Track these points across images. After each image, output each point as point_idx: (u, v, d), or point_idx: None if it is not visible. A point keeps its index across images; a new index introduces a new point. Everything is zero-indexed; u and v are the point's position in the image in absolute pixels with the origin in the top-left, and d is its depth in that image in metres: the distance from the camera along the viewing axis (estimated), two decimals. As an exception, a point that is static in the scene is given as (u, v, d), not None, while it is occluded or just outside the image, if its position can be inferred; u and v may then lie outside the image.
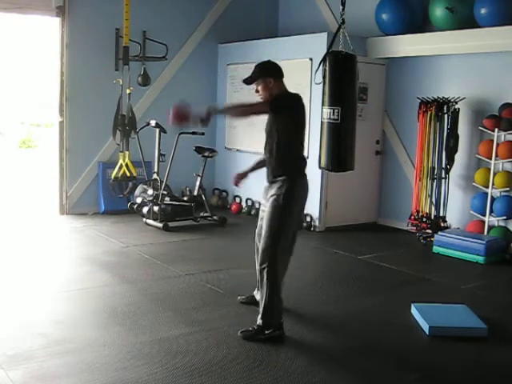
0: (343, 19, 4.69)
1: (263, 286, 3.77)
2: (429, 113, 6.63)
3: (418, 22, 6.98)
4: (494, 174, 6.27)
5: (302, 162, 3.96)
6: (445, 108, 6.56)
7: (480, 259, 5.86)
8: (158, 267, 5.36)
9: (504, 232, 6.22)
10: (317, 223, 7.18)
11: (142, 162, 7.37)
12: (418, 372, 3.44)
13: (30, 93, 16.11)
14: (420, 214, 6.78)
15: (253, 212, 7.87)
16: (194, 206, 7.16)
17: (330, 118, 4.52)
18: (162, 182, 7.08)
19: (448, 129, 6.54)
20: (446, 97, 6.57)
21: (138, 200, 7.28)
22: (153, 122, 7.16)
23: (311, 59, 7.03)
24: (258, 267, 3.88)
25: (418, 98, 6.77)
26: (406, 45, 6.96)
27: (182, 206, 7.15)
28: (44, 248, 6.00)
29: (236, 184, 4.24)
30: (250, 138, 8.03)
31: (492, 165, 6.26)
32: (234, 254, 5.95)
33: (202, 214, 7.30)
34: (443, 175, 6.67)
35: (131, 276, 5.05)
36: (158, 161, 7.29)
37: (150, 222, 7.03)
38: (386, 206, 7.68)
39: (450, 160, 6.58)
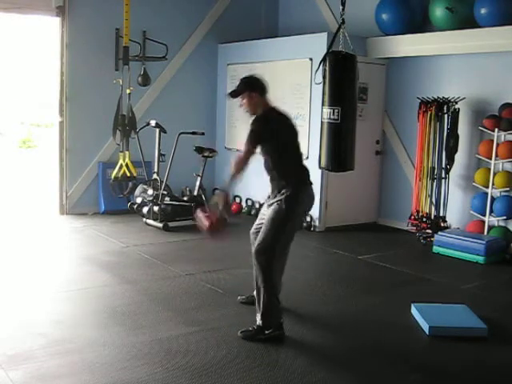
0: (343, 19, 4.70)
1: (259, 287, 3.76)
2: (429, 113, 6.63)
3: (418, 22, 6.98)
4: (494, 173, 6.27)
5: (302, 171, 3.95)
6: (445, 108, 6.56)
7: (480, 259, 5.86)
8: (158, 267, 5.36)
9: (504, 232, 6.22)
10: (317, 223, 7.18)
11: (142, 162, 7.37)
12: (418, 372, 3.44)
13: (30, 93, 16.11)
14: (420, 213, 6.78)
15: (253, 212, 7.87)
16: (194, 205, 7.15)
17: (330, 118, 4.52)
18: (161, 182, 7.08)
19: (448, 129, 6.54)
20: (446, 97, 6.57)
21: (138, 200, 7.28)
22: (153, 122, 7.17)
23: (311, 59, 7.03)
24: (254, 272, 3.87)
25: (418, 98, 6.77)
26: (406, 45, 6.96)
27: (182, 206, 7.14)
28: (44, 248, 6.00)
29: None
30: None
31: (492, 165, 6.26)
32: (234, 254, 5.94)
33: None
34: (443, 175, 6.67)
35: (131, 276, 5.05)
36: (158, 161, 7.29)
37: (150, 222, 7.03)
38: (386, 206, 7.68)
39: (450, 160, 6.58)
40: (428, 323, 3.97)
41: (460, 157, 6.64)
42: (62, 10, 7.23)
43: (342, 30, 4.70)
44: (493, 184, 6.27)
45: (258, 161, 3.93)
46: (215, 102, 8.62)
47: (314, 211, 7.14)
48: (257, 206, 7.83)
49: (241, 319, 4.01)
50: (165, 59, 7.73)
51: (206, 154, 7.27)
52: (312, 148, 7.04)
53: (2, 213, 7.55)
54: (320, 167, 4.85)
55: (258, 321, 3.77)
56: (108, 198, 7.64)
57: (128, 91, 7.40)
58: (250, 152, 3.78)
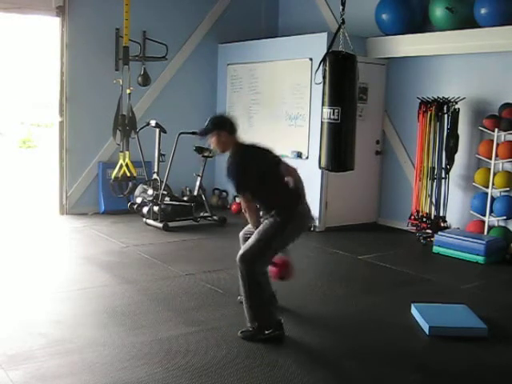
0: (343, 19, 4.70)
1: (245, 292, 3.76)
2: (429, 113, 6.63)
3: (418, 22, 6.98)
4: (494, 173, 6.27)
5: (289, 195, 3.93)
6: (445, 108, 6.56)
7: (480, 259, 5.86)
8: (158, 267, 5.36)
9: (504, 232, 6.22)
10: (317, 223, 7.18)
11: (142, 162, 7.37)
12: (418, 372, 3.43)
13: (30, 93, 16.11)
14: (420, 213, 6.78)
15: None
16: (194, 205, 7.16)
17: (330, 118, 4.52)
18: (161, 182, 7.08)
19: (448, 129, 6.54)
20: (446, 97, 6.57)
21: (138, 200, 7.28)
22: (153, 122, 7.17)
23: (311, 59, 7.03)
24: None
25: (418, 98, 6.77)
26: (406, 45, 6.96)
27: (182, 206, 7.15)
28: (44, 248, 6.01)
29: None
30: (249, 137, 8.02)
31: (492, 165, 6.26)
32: (234, 254, 5.90)
33: (201, 214, 7.30)
34: (443, 175, 6.67)
35: (131, 276, 5.05)
36: (158, 161, 7.29)
37: (150, 222, 7.03)
38: (386, 206, 7.68)
39: (450, 160, 6.58)
40: (428, 323, 3.97)
41: (460, 157, 6.64)
42: (62, 10, 7.23)
43: (341, 29, 4.70)
44: (493, 184, 6.27)
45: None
46: (215, 102, 8.62)
47: (314, 211, 7.13)
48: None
49: (241, 319, 4.01)
50: (165, 59, 7.73)
51: (205, 154, 7.27)
52: (312, 148, 7.05)
53: (2, 213, 7.55)
54: (320, 167, 4.85)
55: (252, 324, 3.77)
56: (108, 198, 7.64)
57: (128, 91, 7.39)
58: (246, 198, 3.85)
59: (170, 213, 7.03)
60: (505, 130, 6.14)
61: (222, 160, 8.14)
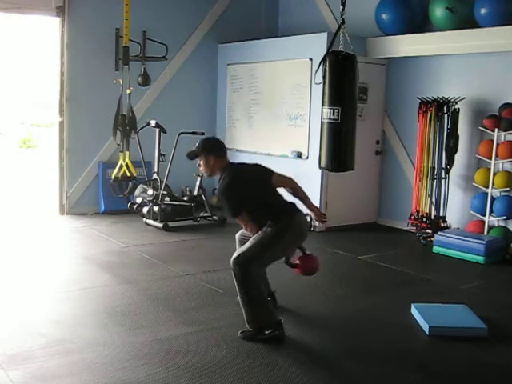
0: (343, 19, 4.70)
1: (239, 294, 3.77)
2: (429, 113, 6.63)
3: (418, 22, 6.98)
4: (494, 173, 6.27)
5: (284, 212, 3.92)
6: (445, 108, 6.56)
7: (480, 259, 5.86)
8: (158, 267, 5.36)
9: (504, 232, 6.22)
10: (317, 223, 7.17)
11: (142, 162, 7.37)
12: (418, 372, 3.43)
13: (30, 93, 16.11)
14: (420, 213, 6.78)
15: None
16: (194, 205, 7.16)
17: (330, 118, 4.52)
18: (161, 182, 7.08)
19: (448, 129, 6.54)
20: (446, 97, 6.57)
21: (138, 200, 7.28)
22: (153, 122, 7.17)
23: (311, 59, 7.03)
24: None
25: (418, 98, 6.77)
26: (406, 45, 6.96)
27: (182, 206, 7.15)
28: (44, 248, 6.01)
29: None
30: (249, 137, 8.04)
31: (492, 165, 6.26)
32: (234, 254, 5.94)
33: (201, 214, 7.30)
34: (443, 175, 6.67)
35: (131, 276, 5.05)
36: (158, 161, 7.29)
37: (150, 222, 7.03)
38: (386, 206, 7.68)
39: (450, 160, 6.58)
40: (428, 323, 3.97)
41: (460, 157, 6.64)
42: (62, 10, 7.23)
43: (341, 29, 4.70)
44: (493, 184, 6.27)
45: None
46: (215, 102, 8.62)
47: (314, 211, 7.13)
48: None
49: (241, 319, 4.00)
50: (165, 59, 7.73)
51: (206, 154, 7.25)
52: (312, 148, 7.05)
53: (2, 213, 7.55)
54: (320, 167, 4.85)
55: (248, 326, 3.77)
56: (108, 198, 7.64)
57: (128, 91, 7.39)
58: (241, 217, 3.87)
59: (169, 213, 7.04)
60: (505, 130, 6.14)
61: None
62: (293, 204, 4.00)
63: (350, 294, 4.85)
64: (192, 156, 4.16)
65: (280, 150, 7.51)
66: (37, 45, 12.76)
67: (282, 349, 3.64)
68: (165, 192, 7.06)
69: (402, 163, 7.46)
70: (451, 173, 6.65)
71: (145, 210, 7.16)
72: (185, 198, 7.44)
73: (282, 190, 4.08)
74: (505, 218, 6.24)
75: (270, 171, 4.03)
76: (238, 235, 4.19)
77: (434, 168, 6.67)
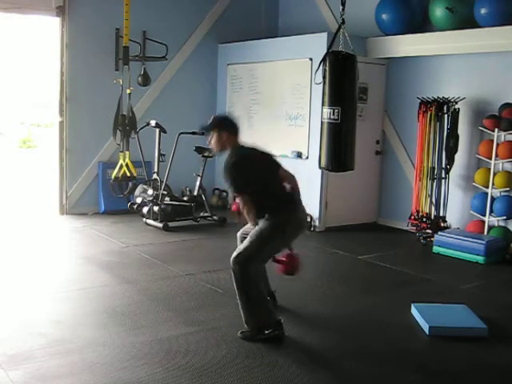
0: (343, 19, 4.70)
1: (238, 293, 3.75)
2: (429, 113, 6.63)
3: (418, 22, 6.98)
4: (494, 174, 6.27)
5: (284, 200, 3.91)
6: (445, 108, 6.56)
7: (480, 259, 5.86)
8: (158, 267, 5.36)
9: (504, 232, 6.22)
10: (317, 223, 7.18)
11: (142, 162, 7.37)
12: (418, 372, 3.43)
13: (30, 93, 16.12)
14: (420, 213, 6.78)
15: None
16: (194, 205, 7.16)
17: (330, 118, 4.52)
18: (161, 182, 7.08)
19: (448, 129, 6.54)
20: (446, 97, 6.57)
21: (138, 200, 7.28)
22: (153, 122, 7.17)
23: (311, 59, 7.03)
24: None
25: (418, 98, 6.77)
26: (406, 45, 6.96)
27: (182, 206, 7.15)
28: (44, 248, 6.01)
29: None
30: (249, 138, 8.00)
31: (492, 165, 6.26)
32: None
33: (201, 214, 7.30)
34: (443, 175, 6.67)
35: (131, 276, 5.05)
36: (158, 161, 7.29)
37: (150, 222, 7.03)
38: (386, 206, 7.68)
39: (450, 160, 6.58)
40: (428, 323, 3.97)
41: (460, 157, 6.64)
42: (62, 10, 7.23)
43: (342, 29, 4.70)
44: (493, 184, 6.27)
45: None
46: (215, 102, 8.62)
47: (314, 211, 7.14)
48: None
49: (241, 319, 4.00)
50: (165, 59, 7.73)
51: (205, 154, 7.27)
52: (312, 148, 7.05)
53: (2, 213, 7.55)
54: (320, 167, 4.85)
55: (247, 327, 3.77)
56: (108, 198, 7.64)
57: (128, 91, 7.39)
58: (243, 198, 3.83)
59: (170, 213, 7.04)
60: (505, 130, 6.14)
61: (223, 160, 8.17)
62: (294, 199, 3.97)
63: (349, 294, 4.85)
64: (205, 130, 4.08)
65: (280, 149, 7.48)
66: (37, 45, 12.77)
67: (281, 349, 3.64)
68: (165, 192, 7.06)
69: (402, 163, 7.46)
70: (451, 173, 6.65)
71: (145, 210, 7.16)
72: (185, 198, 7.44)
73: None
74: (505, 218, 6.24)
75: (278, 163, 4.03)
76: (239, 234, 4.19)
77: (433, 168, 6.67)
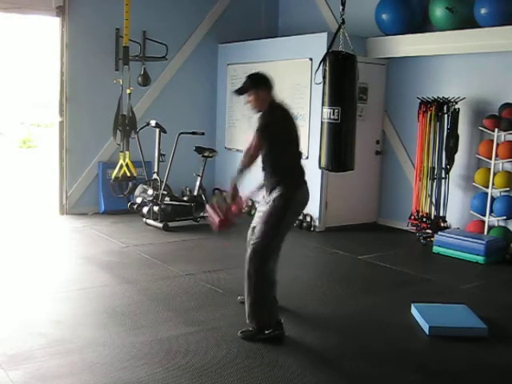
0: (343, 19, 4.69)
1: (249, 287, 3.75)
2: (429, 113, 6.63)
3: (418, 22, 6.98)
4: (494, 173, 6.27)
5: (299, 172, 3.93)
6: (445, 108, 6.56)
7: (480, 259, 5.86)
8: (158, 267, 5.36)
9: (504, 232, 6.22)
10: (317, 223, 7.18)
11: (142, 162, 7.37)
12: (418, 372, 3.43)
13: (30, 93, 16.11)
14: (420, 213, 6.78)
15: (253, 212, 7.86)
16: (194, 205, 7.16)
17: (330, 118, 4.52)
18: (161, 182, 7.08)
19: (448, 129, 6.54)
20: (446, 97, 6.57)
21: (138, 200, 7.28)
22: (153, 122, 7.17)
23: (311, 59, 7.03)
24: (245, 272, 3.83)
25: (418, 98, 6.77)
26: (406, 45, 6.96)
27: (182, 206, 7.15)
28: (44, 248, 6.01)
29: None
30: (249, 137, 8.02)
31: (492, 165, 6.26)
32: (234, 254, 5.93)
33: (201, 214, 7.29)
34: (443, 175, 6.67)
35: (131, 276, 5.05)
36: (158, 161, 7.29)
37: (150, 222, 7.03)
38: (386, 206, 7.68)
39: (450, 160, 6.58)
40: (428, 323, 3.97)
41: (460, 157, 6.64)
42: (62, 10, 7.23)
43: (342, 29, 4.70)
44: (493, 184, 6.27)
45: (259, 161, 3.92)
46: (215, 101, 8.62)
47: (314, 211, 7.14)
48: (257, 206, 7.83)
49: (241, 319, 4.01)
50: (165, 59, 7.73)
51: (205, 154, 7.27)
52: (312, 148, 7.04)
53: (2, 213, 7.55)
54: (320, 167, 4.84)
55: (249, 323, 3.76)
56: (108, 198, 7.64)
57: (128, 91, 7.39)
58: (259, 146, 3.78)
59: (170, 213, 7.03)
60: (505, 130, 6.14)
61: (222, 160, 8.18)
62: (304, 172, 3.96)
63: (349, 294, 4.85)
64: (241, 92, 4.01)
65: (280, 149, 7.50)
66: (37, 45, 12.77)
67: (281, 349, 3.64)
68: (165, 192, 7.06)
69: (402, 163, 7.46)
70: (451, 173, 6.65)
71: (145, 210, 7.16)
72: (185, 198, 7.44)
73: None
74: (505, 218, 6.23)
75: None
76: (248, 233, 4.14)
77: (433, 168, 6.67)
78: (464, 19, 6.41)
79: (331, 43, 4.70)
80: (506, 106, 6.17)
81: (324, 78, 4.58)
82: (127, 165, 7.45)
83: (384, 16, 7.10)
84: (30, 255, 5.69)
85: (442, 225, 6.66)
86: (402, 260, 5.97)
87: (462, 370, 3.48)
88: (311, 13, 8.25)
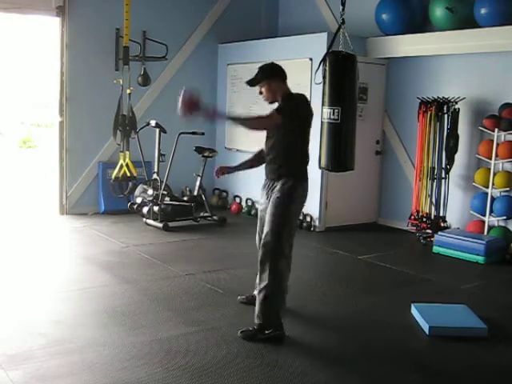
0: (343, 19, 4.69)
1: (264, 284, 3.75)
2: (429, 113, 6.63)
3: (418, 22, 6.98)
4: (494, 173, 6.27)
5: (306, 163, 3.96)
6: (445, 108, 6.56)
7: (480, 259, 5.86)
8: (158, 267, 5.36)
9: (504, 232, 6.22)
10: (317, 223, 7.18)
11: (142, 162, 7.37)
12: (418, 372, 3.44)
13: (30, 93, 16.11)
14: (420, 213, 6.78)
15: (253, 212, 7.88)
16: (194, 205, 7.16)
17: (330, 118, 4.51)
18: (161, 182, 7.08)
19: (448, 129, 6.54)
20: (446, 97, 6.57)
21: (138, 200, 7.28)
22: (153, 122, 7.17)
23: (311, 59, 7.03)
24: (259, 267, 3.86)
25: (418, 98, 6.77)
26: (406, 45, 6.96)
27: (182, 206, 7.15)
28: (44, 248, 6.01)
29: (217, 175, 4.25)
30: (250, 137, 8.02)
31: (492, 165, 6.26)
32: (234, 254, 5.95)
33: (201, 214, 7.30)
34: (443, 175, 6.67)
35: (131, 276, 5.05)
36: (158, 161, 7.29)
37: (150, 222, 7.03)
38: (386, 206, 7.68)
39: (450, 160, 6.58)
40: (428, 323, 3.97)
41: (460, 157, 6.64)
42: (62, 10, 7.23)
43: (342, 29, 4.69)
44: (493, 184, 6.27)
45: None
46: (215, 102, 8.61)
47: (314, 211, 7.14)
48: (257, 206, 7.83)
49: (241, 319, 4.01)
50: (165, 59, 7.73)
51: (205, 154, 7.27)
52: (312, 148, 7.02)
53: (1, 213, 7.55)
54: (320, 167, 4.84)
55: (257, 320, 3.76)
56: (108, 198, 7.64)
57: (128, 91, 7.40)
58: (275, 119, 3.74)
59: (170, 213, 7.03)
60: (505, 130, 6.14)
61: (223, 160, 8.17)
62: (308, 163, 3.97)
63: (349, 294, 4.85)
64: (253, 82, 3.94)
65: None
66: (37, 45, 12.77)
67: (281, 349, 3.64)
68: (165, 192, 7.06)
69: (402, 163, 7.46)
70: (451, 173, 6.65)
71: (145, 210, 7.16)
72: (185, 198, 7.44)
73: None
74: (505, 218, 6.24)
75: None
76: (257, 231, 4.14)
77: (434, 168, 6.67)
78: (464, 19, 6.41)
79: (331, 43, 4.69)
80: (506, 105, 6.17)
81: (324, 77, 4.58)
82: (127, 165, 7.45)
83: (384, 16, 7.10)
84: (30, 255, 5.69)
85: (442, 225, 6.66)
86: (402, 260, 5.97)
87: (462, 370, 3.48)
88: (311, 13, 8.25)
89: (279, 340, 3.72)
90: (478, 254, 5.87)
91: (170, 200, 7.13)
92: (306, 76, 7.10)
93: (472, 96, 6.57)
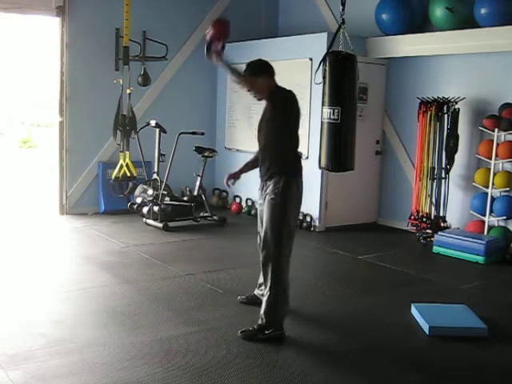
0: (343, 19, 4.69)
1: (268, 286, 3.75)
2: (429, 113, 6.63)
3: (418, 22, 6.98)
4: (494, 173, 6.27)
5: (298, 159, 3.96)
6: (445, 108, 6.56)
7: (480, 259, 5.86)
8: (158, 267, 5.36)
9: (504, 232, 6.22)
10: (317, 223, 7.18)
11: (142, 162, 7.37)
12: (418, 372, 3.44)
13: (30, 93, 16.11)
14: (420, 213, 6.78)
15: (253, 212, 7.87)
16: (194, 205, 7.16)
17: (330, 118, 4.52)
18: (161, 182, 7.08)
19: (448, 129, 6.54)
20: (446, 97, 6.57)
21: (138, 200, 7.28)
22: (153, 122, 7.17)
23: (311, 59, 7.03)
24: (261, 269, 3.86)
25: (418, 98, 6.77)
26: (406, 45, 6.96)
27: (182, 206, 7.15)
28: (44, 248, 6.01)
29: (227, 184, 4.25)
30: (250, 137, 8.02)
31: (492, 165, 6.26)
32: (234, 254, 5.95)
33: (201, 214, 7.30)
34: (443, 175, 6.67)
35: (131, 276, 5.05)
36: (158, 161, 7.29)
37: (150, 222, 7.03)
38: (386, 206, 7.68)
39: (450, 160, 6.58)
40: (428, 323, 3.97)
41: (460, 157, 6.64)
42: (62, 10, 7.23)
43: (342, 29, 4.70)
44: (493, 184, 6.27)
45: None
46: (215, 101, 8.62)
47: (314, 211, 7.14)
48: (256, 206, 7.83)
49: (241, 319, 4.01)
50: (165, 59, 7.74)
51: (205, 154, 7.27)
52: (312, 148, 7.04)
53: (2, 213, 7.55)
54: (320, 167, 4.84)
55: (261, 320, 3.76)
56: (108, 198, 7.64)
57: (128, 91, 7.40)
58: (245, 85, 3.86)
59: (170, 213, 7.03)
60: (505, 130, 6.14)
61: (223, 160, 8.18)
62: (301, 160, 3.96)
63: (349, 294, 4.85)
64: (241, 80, 4.05)
65: (280, 149, 7.49)
66: (37, 45, 12.77)
67: (281, 349, 3.64)
68: (165, 192, 7.06)
69: (402, 163, 7.46)
70: (451, 173, 6.65)
71: (145, 210, 7.16)
72: (185, 198, 7.44)
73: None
74: (505, 218, 6.24)
75: None
76: (258, 230, 4.14)
77: (434, 168, 6.67)
78: (464, 19, 6.41)
79: (331, 43, 4.70)
80: (506, 105, 6.17)
81: (324, 77, 4.58)
82: (127, 165, 7.45)
83: (384, 16, 7.10)
84: (30, 255, 5.69)
85: (442, 225, 6.66)
86: (402, 260, 5.97)
87: (462, 370, 3.48)
88: (311, 13, 8.25)
89: (279, 340, 3.72)
90: (478, 254, 5.87)
91: (170, 200, 7.13)
92: (306, 76, 7.10)
93: (472, 96, 6.57)
